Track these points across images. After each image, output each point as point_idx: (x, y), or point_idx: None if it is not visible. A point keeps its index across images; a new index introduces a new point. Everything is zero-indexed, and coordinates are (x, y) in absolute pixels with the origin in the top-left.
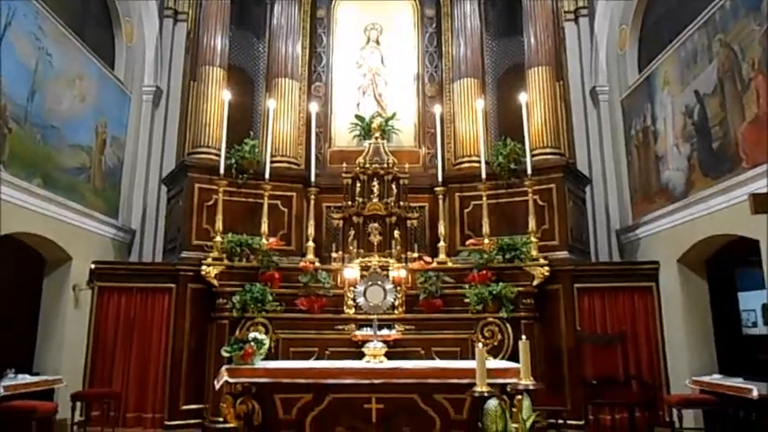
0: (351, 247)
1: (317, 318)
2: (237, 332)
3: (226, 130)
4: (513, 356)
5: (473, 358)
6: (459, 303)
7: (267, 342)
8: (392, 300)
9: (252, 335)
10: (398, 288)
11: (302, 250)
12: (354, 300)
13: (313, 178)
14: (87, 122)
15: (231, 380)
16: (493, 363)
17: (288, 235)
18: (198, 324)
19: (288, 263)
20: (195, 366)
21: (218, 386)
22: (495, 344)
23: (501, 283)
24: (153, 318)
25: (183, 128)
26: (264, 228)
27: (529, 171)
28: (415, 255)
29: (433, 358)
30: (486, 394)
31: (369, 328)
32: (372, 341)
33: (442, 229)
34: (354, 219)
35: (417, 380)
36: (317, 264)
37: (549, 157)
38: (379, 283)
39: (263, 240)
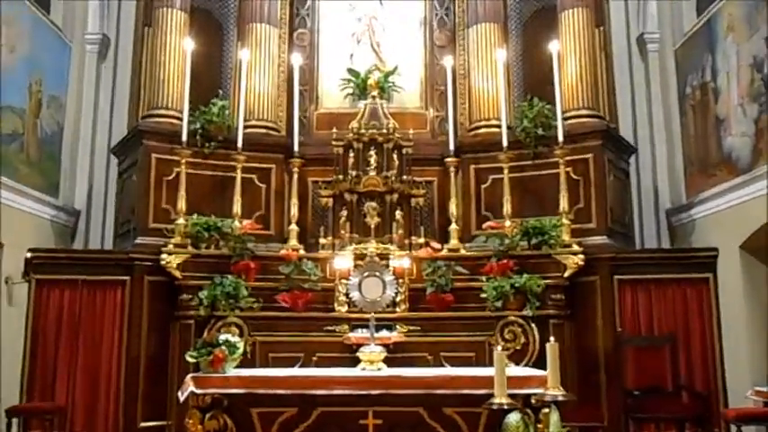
0: (343, 232)
1: (301, 317)
2: (206, 334)
3: (189, 88)
4: (540, 362)
5: (491, 365)
6: (475, 299)
7: (241, 346)
8: (393, 295)
9: (223, 337)
10: (400, 281)
11: (283, 235)
12: (347, 295)
13: (296, 147)
14: (18, 79)
15: (198, 391)
16: (515, 370)
17: (266, 216)
18: (158, 324)
19: (266, 250)
20: (155, 375)
21: (182, 399)
22: (518, 347)
23: (525, 275)
24: (103, 317)
25: (137, 85)
26: (237, 208)
27: (560, 137)
28: (421, 240)
29: (442, 365)
30: (506, 407)
31: (365, 330)
32: (369, 344)
33: (453, 209)
34: (347, 196)
35: (423, 390)
36: (302, 251)
37: (585, 120)
38: (378, 274)
39: (236, 223)
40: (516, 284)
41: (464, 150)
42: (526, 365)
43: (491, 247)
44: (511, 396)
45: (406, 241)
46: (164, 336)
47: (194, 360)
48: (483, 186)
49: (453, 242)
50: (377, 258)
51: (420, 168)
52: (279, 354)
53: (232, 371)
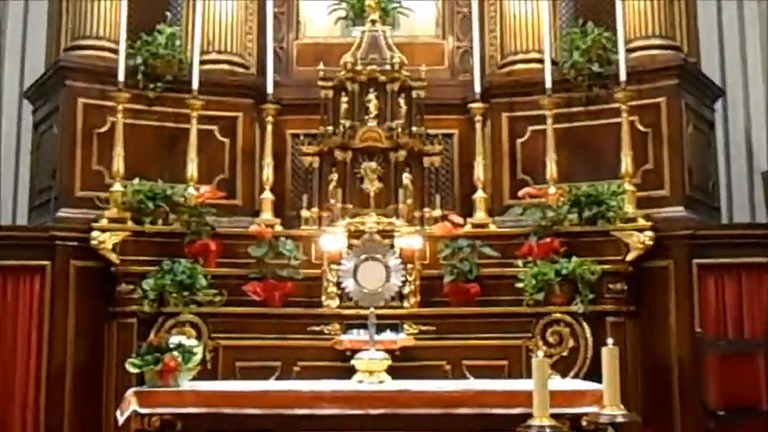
0: (332, 201)
1: (278, 314)
2: (152, 336)
3: (126, 11)
4: (593, 373)
5: (529, 376)
6: (508, 290)
7: (200, 351)
8: (399, 285)
9: (175, 340)
10: (409, 266)
11: (254, 206)
12: (339, 285)
13: (270, 89)
14: None
15: (143, 410)
16: (561, 383)
17: (230, 181)
18: (88, 323)
19: (231, 226)
20: (86, 390)
21: (122, 420)
22: (565, 353)
23: (575, 259)
24: (16, 313)
25: (57, 8)
26: (192, 170)
27: (623, 76)
28: (437, 213)
29: (464, 376)
30: (548, 431)
31: (362, 331)
32: (368, 350)
33: (480, 171)
34: (338, 155)
35: (440, 410)
36: (279, 228)
37: (656, 52)
38: (379, 257)
39: (191, 190)
40: (563, 271)
41: (494, 93)
42: (575, 377)
43: (530, 221)
44: (555, 417)
45: (417, 214)
46: (97, 338)
47: (137, 370)
48: (519, 141)
49: (480, 215)
50: (378, 237)
51: (436, 117)
52: (249, 362)
53: (187, 384)
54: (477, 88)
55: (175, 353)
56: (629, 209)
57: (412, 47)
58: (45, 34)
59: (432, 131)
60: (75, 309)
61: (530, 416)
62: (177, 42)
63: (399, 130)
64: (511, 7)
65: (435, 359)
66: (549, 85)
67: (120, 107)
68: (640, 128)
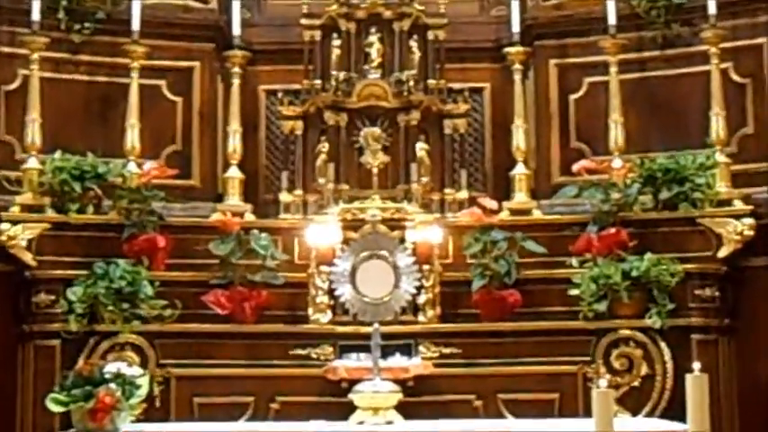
0: (322, 180)
1: (250, 332)
2: (80, 363)
3: None
4: (674, 409)
5: (588, 414)
6: (558, 299)
7: (145, 384)
8: (412, 292)
9: (112, 368)
10: (426, 268)
11: (216, 188)
12: (331, 293)
13: (237, 29)
14: None
15: None
16: (631, 422)
17: (185, 155)
18: None
19: (186, 215)
20: None
21: None
22: (636, 383)
23: (649, 256)
24: None
25: None
26: (133, 140)
27: (712, 8)
28: (463, 195)
29: (500, 415)
30: None
31: (362, 355)
32: (371, 380)
33: (520, 138)
34: (330, 118)
35: None
36: (250, 217)
37: None
38: (385, 255)
39: (131, 167)
40: (633, 272)
41: (538, 33)
42: (650, 415)
43: (588, 206)
44: None
45: (436, 197)
46: (7, 366)
47: (62, 408)
48: (573, 98)
49: (520, 197)
50: (383, 228)
51: (460, 67)
52: (211, 398)
53: (129, 427)
54: (516, 27)
55: (113, 385)
56: (722, 188)
57: None
58: None
59: (455, 86)
60: None
61: None
62: None
63: (411, 83)
64: None
65: (461, 392)
66: (612, 21)
67: (36, 56)
68: (736, 78)
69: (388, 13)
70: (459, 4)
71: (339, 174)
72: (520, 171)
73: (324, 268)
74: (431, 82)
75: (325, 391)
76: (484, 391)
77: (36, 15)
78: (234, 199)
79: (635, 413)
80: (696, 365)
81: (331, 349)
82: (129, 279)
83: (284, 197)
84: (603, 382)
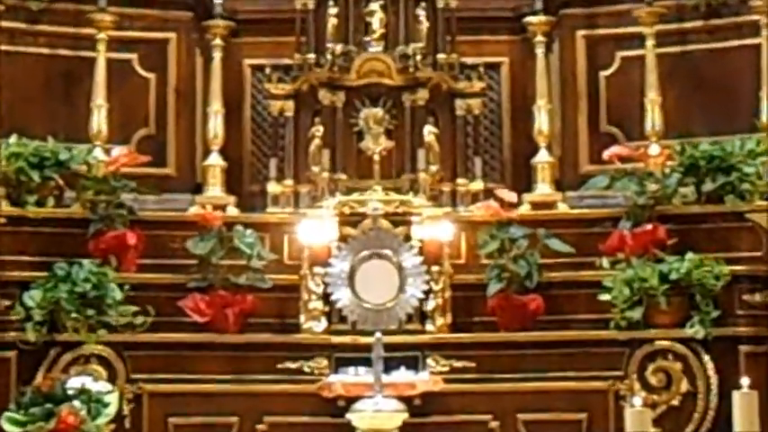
0: (316, 169)
1: (233, 343)
2: (39, 378)
3: None
4: (720, 431)
5: None
6: (586, 305)
7: (113, 401)
8: (419, 297)
9: (76, 383)
10: (435, 269)
11: (194, 178)
12: (327, 298)
13: None
14: None
15: None
16: None
17: (159, 140)
18: None
19: (160, 209)
20: None
21: None
22: (675, 402)
23: (690, 256)
24: None
25: None
26: (100, 123)
27: None
28: (477, 185)
29: None
30: None
31: (362, 368)
32: (372, 397)
33: (543, 121)
34: (325, 97)
35: None
36: (233, 210)
37: None
38: (389, 255)
39: (97, 154)
40: (672, 275)
41: (564, 1)
42: None
43: (620, 198)
44: None
45: (447, 188)
46: None
47: (18, 429)
48: (603, 75)
49: (543, 189)
50: (386, 223)
51: (475, 39)
52: (189, 417)
53: None
54: None
55: (76, 403)
56: None
57: None
58: None
59: (469, 60)
60: None
61: None
62: None
63: (419, 58)
64: None
65: (476, 412)
66: None
67: None
68: None
69: None
70: None
71: (335, 161)
72: (542, 158)
73: (318, 270)
74: (441, 56)
75: (320, 410)
76: (501, 410)
77: None
78: (215, 190)
79: None
80: (744, 381)
81: (326, 362)
82: (94, 281)
83: (272, 188)
84: (638, 401)
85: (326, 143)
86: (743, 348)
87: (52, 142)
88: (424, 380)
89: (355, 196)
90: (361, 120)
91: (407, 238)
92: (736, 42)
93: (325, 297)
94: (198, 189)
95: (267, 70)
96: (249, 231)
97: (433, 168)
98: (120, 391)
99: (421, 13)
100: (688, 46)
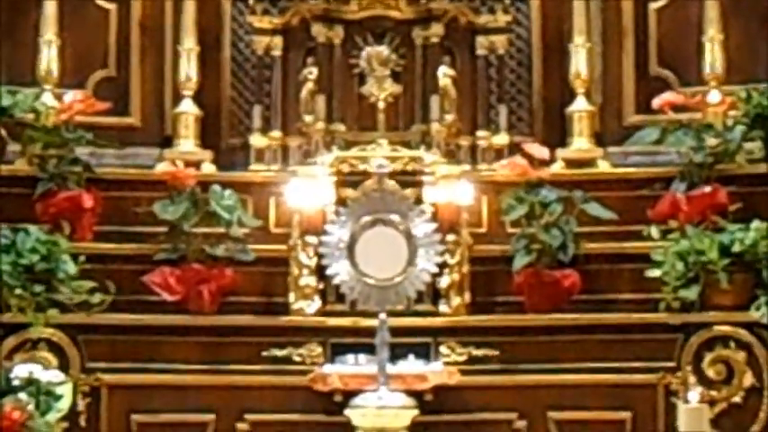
0: (309, 118)
1: (209, 326)
2: None
3: None
4: None
5: None
6: (631, 283)
7: (67, 393)
8: (431, 271)
9: (22, 372)
10: (451, 239)
11: (163, 129)
12: (321, 272)
13: None
14: None
15: None
16: None
17: (121, 83)
18: None
19: (121, 164)
20: None
21: None
22: (737, 398)
23: (756, 225)
24: None
25: None
26: (50, 61)
27: None
28: (501, 138)
29: None
30: None
31: (363, 356)
32: (375, 390)
33: (581, 62)
34: (320, 33)
35: None
36: (209, 168)
37: None
38: (396, 221)
39: (47, 100)
40: (735, 247)
41: None
42: None
43: (673, 155)
44: None
45: (464, 142)
46: None
47: None
48: (653, 7)
49: (580, 144)
50: (393, 183)
51: None
52: (156, 415)
53: None
54: None
55: (22, 396)
56: None
57: None
58: None
59: None
60: None
61: None
62: None
63: None
64: None
65: (498, 409)
66: None
67: None
68: None
69: None
70: None
71: (332, 110)
72: (580, 107)
73: (311, 239)
74: None
75: (312, 406)
76: (529, 407)
77: None
78: (187, 144)
79: None
80: None
81: (320, 350)
82: (43, 252)
83: (256, 141)
84: (694, 396)
85: (321, 88)
86: None
87: None
88: (437, 371)
89: (356, 151)
90: (363, 60)
91: (418, 201)
92: None
93: (320, 272)
94: (167, 142)
95: (250, 1)
96: (228, 193)
97: (449, 118)
98: (75, 382)
99: None
100: None
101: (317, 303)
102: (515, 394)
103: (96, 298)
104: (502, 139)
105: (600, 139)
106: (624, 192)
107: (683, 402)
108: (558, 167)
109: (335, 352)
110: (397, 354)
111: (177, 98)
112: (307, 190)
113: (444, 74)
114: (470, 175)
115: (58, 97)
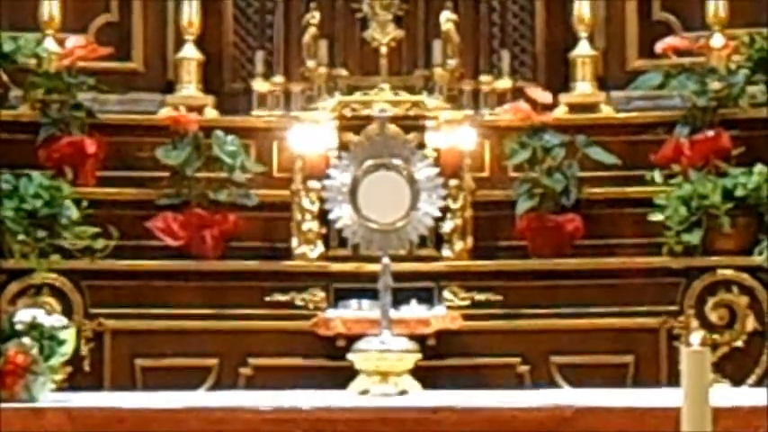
0: (311, 63)
1: (212, 271)
2: None
3: None
4: None
5: (674, 383)
6: (634, 227)
7: (70, 339)
8: (433, 215)
9: (25, 317)
10: (453, 184)
11: (165, 74)
12: (324, 217)
13: None
14: None
15: None
16: (732, 394)
17: (123, 28)
18: None
19: (123, 110)
20: None
21: None
22: (739, 343)
23: (759, 168)
24: None
25: None
26: (51, 6)
27: None
28: (504, 82)
29: (554, 384)
30: None
31: (366, 301)
32: (378, 335)
33: (584, 5)
34: None
35: None
36: (212, 113)
37: None
38: (398, 165)
39: (49, 45)
40: (737, 191)
41: None
42: (758, 385)
43: (677, 99)
44: None
45: (467, 87)
46: None
47: None
48: None
49: (583, 88)
50: (395, 128)
51: None
52: (159, 359)
53: (48, 397)
54: None
55: (26, 340)
56: None
57: None
58: None
59: None
60: None
61: None
62: None
63: None
64: None
65: (501, 353)
66: None
67: None
68: None
69: None
70: None
71: (334, 54)
72: (583, 51)
73: (313, 184)
74: None
75: (315, 350)
76: (532, 352)
77: None
78: (189, 88)
79: (738, 382)
80: None
81: (323, 294)
82: (46, 198)
83: (259, 86)
84: (696, 340)
85: (324, 32)
86: None
87: None
88: (440, 315)
89: (358, 96)
90: (366, 4)
91: (421, 145)
92: None
93: (322, 216)
94: (169, 87)
95: None
96: (231, 138)
97: (452, 63)
98: (78, 327)
99: None
100: None
101: (319, 248)
102: (518, 339)
103: (99, 243)
104: (504, 83)
105: (603, 83)
106: (627, 136)
107: (685, 346)
108: (560, 112)
109: (338, 297)
110: (399, 298)
111: (179, 43)
112: (309, 135)
113: (447, 18)
114: (473, 120)
115: (60, 42)
